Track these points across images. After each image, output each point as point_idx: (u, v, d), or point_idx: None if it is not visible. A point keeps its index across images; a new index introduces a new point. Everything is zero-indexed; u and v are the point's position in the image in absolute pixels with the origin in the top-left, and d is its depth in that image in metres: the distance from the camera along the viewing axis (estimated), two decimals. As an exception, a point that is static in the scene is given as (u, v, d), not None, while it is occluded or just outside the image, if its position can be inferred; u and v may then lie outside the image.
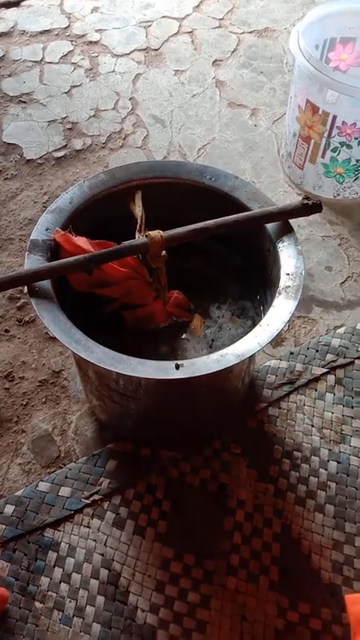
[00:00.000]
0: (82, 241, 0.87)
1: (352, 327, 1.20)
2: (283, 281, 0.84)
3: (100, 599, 0.89)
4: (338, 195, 1.42)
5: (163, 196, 0.96)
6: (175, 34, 1.86)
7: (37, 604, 0.89)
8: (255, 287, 1.00)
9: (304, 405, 1.09)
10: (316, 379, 1.12)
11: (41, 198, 1.43)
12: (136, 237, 0.88)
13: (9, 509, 0.97)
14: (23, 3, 1.93)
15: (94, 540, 0.94)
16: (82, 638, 0.86)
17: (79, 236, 0.88)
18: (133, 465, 1.01)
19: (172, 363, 0.76)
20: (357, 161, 1.33)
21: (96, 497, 0.98)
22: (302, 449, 1.04)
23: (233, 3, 1.96)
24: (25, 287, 0.84)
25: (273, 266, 0.90)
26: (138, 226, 0.90)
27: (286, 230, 0.90)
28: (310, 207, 0.89)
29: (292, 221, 0.90)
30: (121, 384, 0.88)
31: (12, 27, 1.85)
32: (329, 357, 1.15)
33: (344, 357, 1.15)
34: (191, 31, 1.87)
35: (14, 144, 1.54)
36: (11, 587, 0.90)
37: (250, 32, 1.87)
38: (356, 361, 1.14)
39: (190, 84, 1.71)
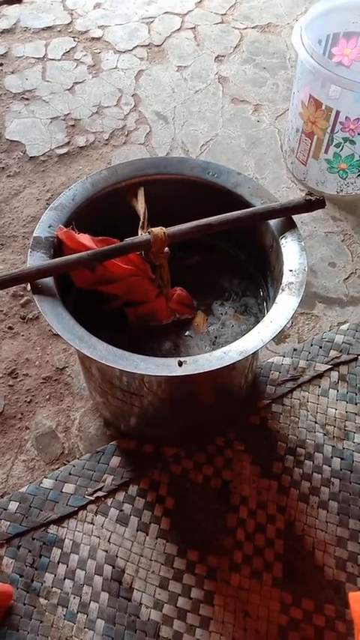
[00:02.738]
0: (84, 238, 0.87)
1: (356, 323, 1.20)
2: (287, 277, 0.84)
3: (104, 596, 0.89)
4: (341, 191, 1.42)
5: (165, 193, 0.96)
6: (178, 30, 1.85)
7: (42, 600, 0.89)
8: (258, 283, 1.00)
9: (308, 401, 1.09)
10: (320, 376, 1.12)
11: (44, 195, 1.43)
12: (139, 233, 0.88)
13: (13, 505, 0.97)
14: (26, 0, 1.92)
15: (98, 537, 0.94)
16: (87, 634, 0.86)
17: (82, 233, 0.88)
18: (136, 462, 1.01)
19: (174, 360, 0.76)
20: (360, 157, 1.33)
21: (100, 493, 0.98)
22: (306, 445, 1.04)
23: (236, -2, 1.95)
24: (29, 284, 0.84)
25: (276, 262, 0.89)
26: (141, 223, 0.90)
27: (290, 226, 0.89)
28: (313, 203, 0.89)
29: (295, 217, 0.90)
30: (124, 381, 0.88)
31: (14, 24, 1.84)
32: (333, 353, 1.15)
33: (348, 354, 1.15)
34: (194, 27, 1.86)
35: (17, 141, 1.54)
36: (16, 583, 0.91)
37: (252, 27, 1.86)
38: (360, 358, 1.14)
39: (192, 80, 1.71)
